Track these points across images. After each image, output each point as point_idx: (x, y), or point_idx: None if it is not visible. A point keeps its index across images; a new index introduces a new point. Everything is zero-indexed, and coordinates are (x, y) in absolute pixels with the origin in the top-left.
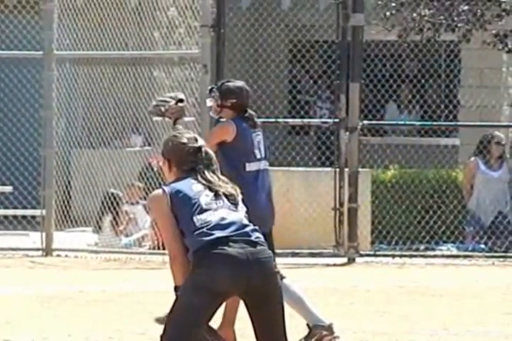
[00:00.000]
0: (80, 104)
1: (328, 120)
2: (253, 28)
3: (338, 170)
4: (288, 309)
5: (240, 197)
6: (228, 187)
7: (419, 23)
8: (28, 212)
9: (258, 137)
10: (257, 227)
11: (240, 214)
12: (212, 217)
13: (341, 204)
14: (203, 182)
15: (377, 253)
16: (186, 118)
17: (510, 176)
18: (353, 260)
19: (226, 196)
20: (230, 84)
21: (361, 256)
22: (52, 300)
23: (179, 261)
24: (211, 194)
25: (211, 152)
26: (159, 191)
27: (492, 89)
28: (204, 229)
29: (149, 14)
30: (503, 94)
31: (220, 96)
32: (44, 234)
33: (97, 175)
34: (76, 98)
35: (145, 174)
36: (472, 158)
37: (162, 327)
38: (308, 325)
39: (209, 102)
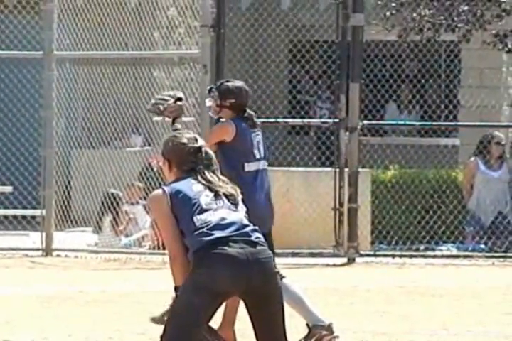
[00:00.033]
0: (79, 104)
1: (328, 120)
2: (253, 28)
3: (338, 170)
4: (288, 309)
5: (240, 197)
6: (228, 187)
7: (419, 23)
8: (28, 212)
9: (257, 137)
10: (257, 227)
11: (240, 215)
12: (212, 217)
13: (341, 205)
14: (203, 182)
15: (377, 253)
16: (186, 118)
17: (510, 176)
18: (353, 260)
19: (226, 196)
20: (229, 84)
21: (361, 256)
22: (52, 300)
23: (179, 261)
24: (211, 194)
25: (211, 152)
26: (159, 191)
27: (492, 89)
28: (204, 229)
29: (149, 14)
30: (503, 94)
31: (219, 96)
32: (44, 234)
33: (97, 175)
34: (76, 98)
35: (145, 174)
36: (472, 158)
37: (162, 327)
38: (307, 324)
39: (208, 102)
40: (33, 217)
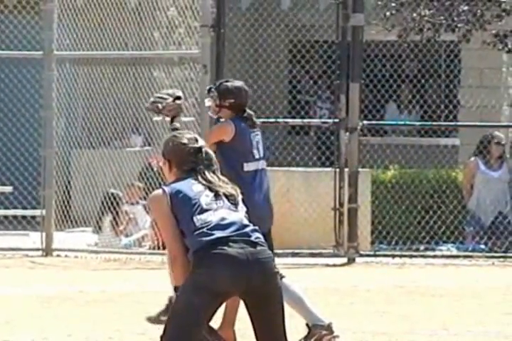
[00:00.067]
0: (80, 104)
1: (328, 120)
2: (253, 28)
3: (338, 170)
4: (288, 309)
5: (240, 198)
6: (228, 187)
7: (419, 23)
8: (28, 212)
9: (257, 137)
10: (257, 227)
11: (240, 215)
12: (212, 217)
13: (341, 205)
14: (203, 182)
15: (377, 253)
16: (186, 118)
17: (510, 176)
18: (353, 260)
19: (226, 196)
20: (229, 84)
21: (361, 256)
22: (52, 300)
23: (179, 261)
24: (211, 194)
25: (211, 152)
26: (159, 191)
27: (492, 89)
28: (204, 229)
29: (149, 14)
30: (503, 94)
31: (219, 96)
32: (44, 234)
33: (97, 175)
34: (76, 98)
35: (145, 174)
36: (472, 158)
37: (161, 327)
38: (307, 324)
39: (207, 102)
40: (33, 217)
